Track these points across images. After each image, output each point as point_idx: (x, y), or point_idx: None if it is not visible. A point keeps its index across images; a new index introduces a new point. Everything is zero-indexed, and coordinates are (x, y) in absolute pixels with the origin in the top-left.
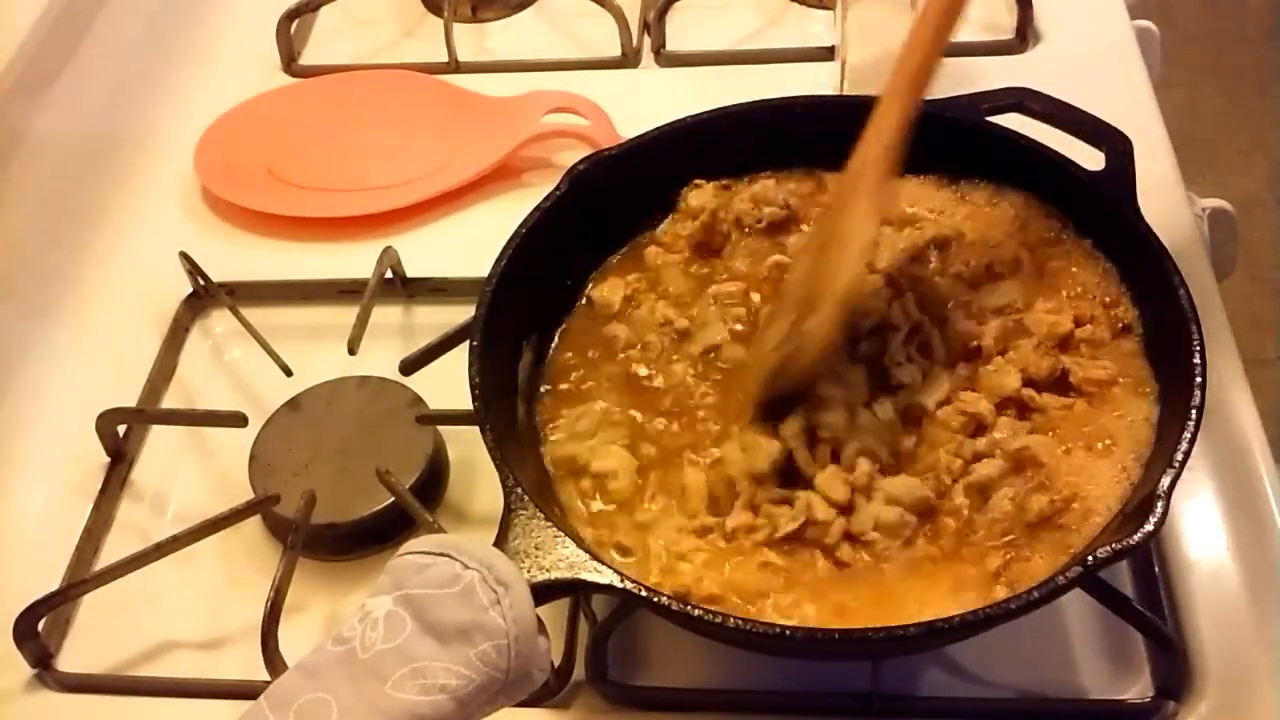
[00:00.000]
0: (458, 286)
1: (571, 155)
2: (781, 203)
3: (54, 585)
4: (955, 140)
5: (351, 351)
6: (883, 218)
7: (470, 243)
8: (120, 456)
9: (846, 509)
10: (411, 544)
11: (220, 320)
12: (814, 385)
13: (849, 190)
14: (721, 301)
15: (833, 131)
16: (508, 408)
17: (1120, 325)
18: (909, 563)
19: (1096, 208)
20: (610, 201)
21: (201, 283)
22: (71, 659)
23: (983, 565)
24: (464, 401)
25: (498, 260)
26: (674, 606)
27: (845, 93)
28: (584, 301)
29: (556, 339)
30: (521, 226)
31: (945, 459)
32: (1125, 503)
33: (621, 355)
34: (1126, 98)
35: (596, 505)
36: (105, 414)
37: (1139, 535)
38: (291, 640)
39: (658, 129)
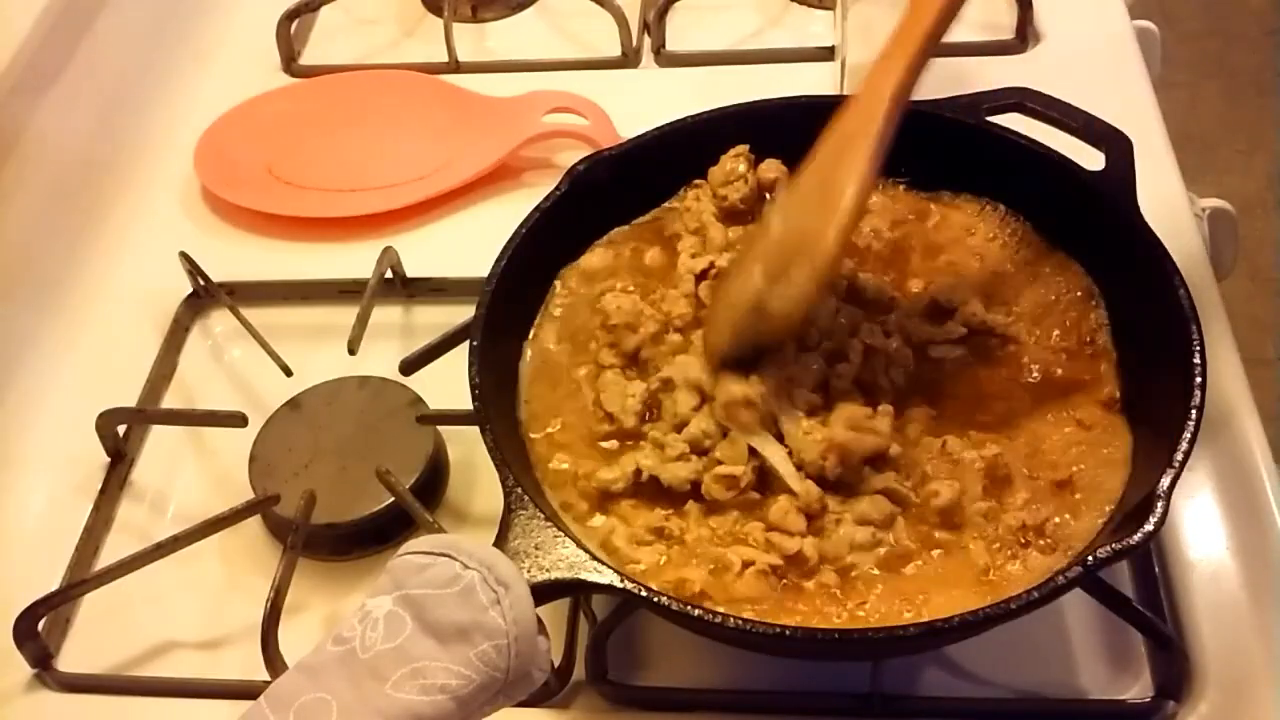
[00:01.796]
0: (458, 286)
1: (571, 155)
2: (740, 175)
3: (54, 585)
4: (954, 140)
5: (351, 351)
6: (872, 178)
7: (470, 243)
8: (120, 456)
9: (815, 529)
10: (411, 544)
11: (220, 320)
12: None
13: (839, 145)
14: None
15: None
16: (508, 408)
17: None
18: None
19: (1097, 208)
20: (610, 202)
21: (201, 283)
22: (71, 659)
23: (984, 565)
24: (464, 401)
25: (498, 260)
26: (674, 606)
27: (845, 93)
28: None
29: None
30: (521, 226)
31: (931, 460)
32: (1124, 503)
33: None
34: (1126, 98)
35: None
36: (105, 414)
37: (1139, 535)
38: (291, 640)
39: (658, 129)
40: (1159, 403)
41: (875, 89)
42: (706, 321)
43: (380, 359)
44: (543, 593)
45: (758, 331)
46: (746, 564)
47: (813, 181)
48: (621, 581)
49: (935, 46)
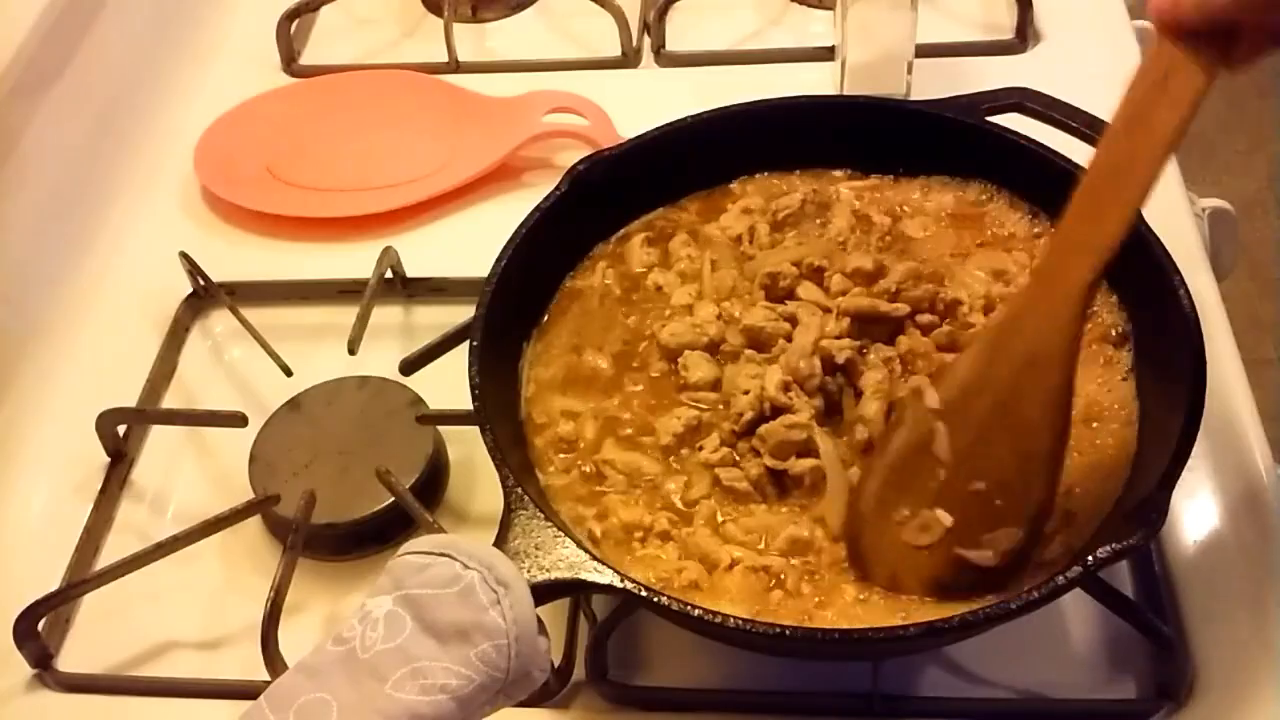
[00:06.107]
0: (458, 286)
1: (571, 155)
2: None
3: (54, 585)
4: (955, 140)
5: (351, 351)
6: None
7: (470, 243)
8: (120, 456)
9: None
10: (411, 544)
11: (220, 320)
12: None
13: (1025, 363)
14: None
15: (832, 131)
16: (508, 407)
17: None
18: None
19: None
20: (610, 202)
21: (201, 283)
22: (71, 659)
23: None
24: (464, 401)
25: (498, 260)
26: (674, 606)
27: (845, 93)
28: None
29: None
30: (521, 226)
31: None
32: (1124, 503)
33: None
34: None
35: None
36: (105, 414)
37: (1139, 535)
38: (291, 640)
39: (658, 129)
40: (1159, 402)
41: (1057, 299)
42: (855, 538)
43: (380, 359)
44: (543, 593)
45: (961, 587)
46: (735, 561)
47: (988, 404)
48: (621, 581)
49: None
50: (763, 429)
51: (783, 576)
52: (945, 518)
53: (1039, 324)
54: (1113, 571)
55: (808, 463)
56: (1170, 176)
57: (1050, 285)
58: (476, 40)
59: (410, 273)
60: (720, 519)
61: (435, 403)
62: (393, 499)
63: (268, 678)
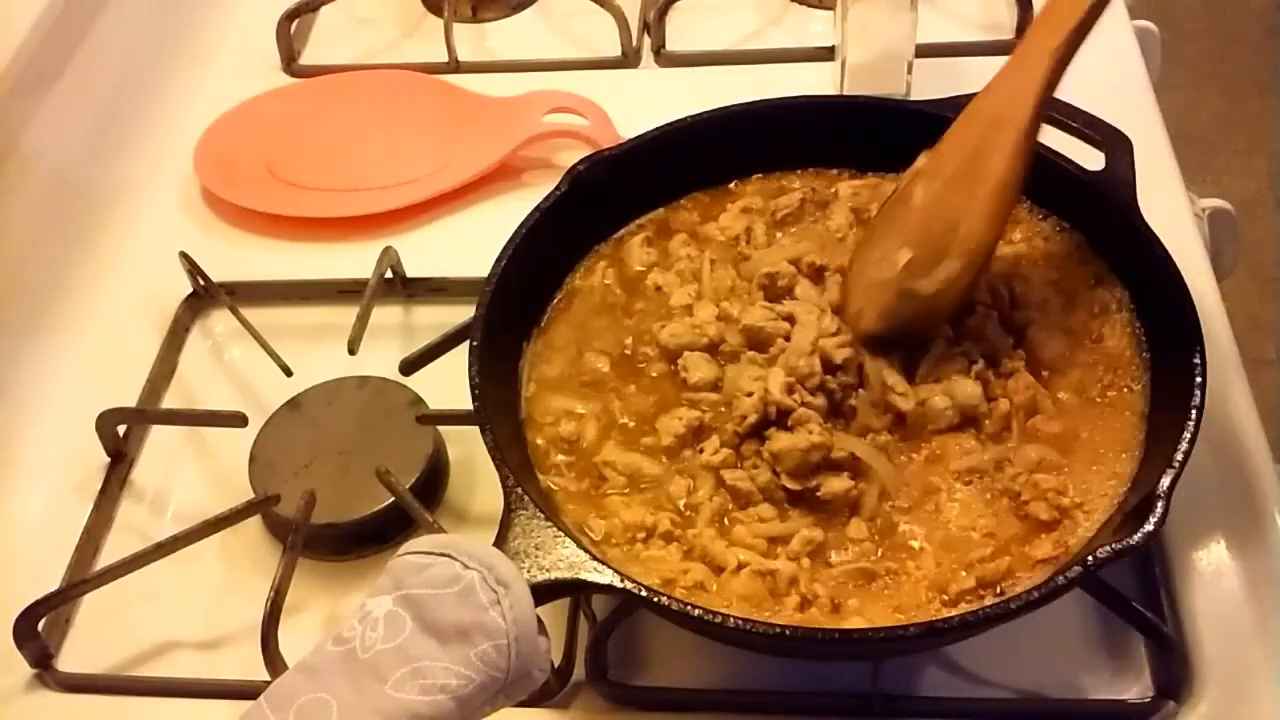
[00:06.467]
0: (458, 286)
1: (571, 155)
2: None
3: (54, 585)
4: None
5: (351, 351)
6: (1024, 168)
7: (470, 243)
8: (120, 456)
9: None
10: (411, 544)
11: (220, 320)
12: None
13: (989, 123)
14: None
15: (832, 131)
16: (508, 407)
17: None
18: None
19: (1097, 208)
20: (610, 202)
21: (201, 283)
22: (71, 659)
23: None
24: (464, 401)
25: (498, 260)
26: (674, 606)
27: (845, 93)
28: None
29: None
30: (521, 226)
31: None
32: (1123, 503)
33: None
34: (1126, 98)
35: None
36: (105, 414)
37: (1139, 535)
38: (291, 640)
39: (658, 129)
40: (1159, 402)
41: (1027, 65)
42: (845, 289)
43: (380, 359)
44: (543, 593)
45: (906, 319)
46: (742, 564)
47: (959, 158)
48: (621, 581)
49: (1093, 23)
50: (776, 447)
51: (794, 580)
52: (905, 253)
53: (1008, 87)
54: (1113, 571)
55: (841, 484)
56: (1170, 176)
57: (1019, 59)
58: (476, 40)
59: (410, 273)
60: (726, 521)
61: (435, 403)
62: (393, 499)
63: (268, 678)
